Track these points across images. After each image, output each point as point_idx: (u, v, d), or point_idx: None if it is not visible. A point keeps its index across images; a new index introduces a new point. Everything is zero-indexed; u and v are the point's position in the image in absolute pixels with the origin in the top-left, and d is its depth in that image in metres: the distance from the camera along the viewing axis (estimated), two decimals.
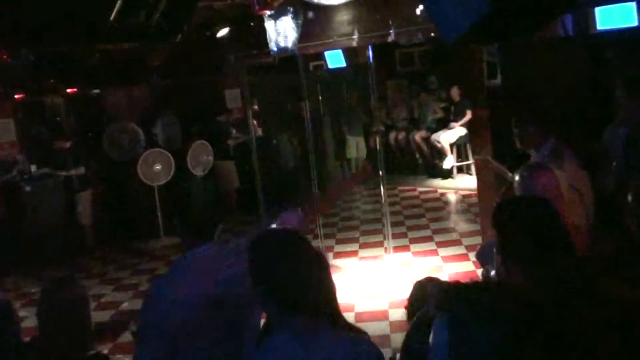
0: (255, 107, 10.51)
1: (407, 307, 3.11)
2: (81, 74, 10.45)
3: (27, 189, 8.62)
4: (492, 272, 3.55)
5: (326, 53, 8.82)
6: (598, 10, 5.53)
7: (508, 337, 1.64)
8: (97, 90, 10.66)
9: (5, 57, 9.37)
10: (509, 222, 2.19)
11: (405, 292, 6.04)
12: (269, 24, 6.93)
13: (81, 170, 9.26)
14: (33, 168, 9.19)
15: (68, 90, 10.51)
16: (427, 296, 2.64)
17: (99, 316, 6.51)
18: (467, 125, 11.12)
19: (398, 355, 2.46)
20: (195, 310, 2.40)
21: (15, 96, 9.68)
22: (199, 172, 9.89)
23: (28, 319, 7.13)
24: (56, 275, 2.94)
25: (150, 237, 9.72)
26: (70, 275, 2.97)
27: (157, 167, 9.52)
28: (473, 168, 10.34)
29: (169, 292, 2.46)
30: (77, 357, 2.72)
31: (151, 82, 10.82)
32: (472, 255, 7.05)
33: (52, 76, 10.34)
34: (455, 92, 11.39)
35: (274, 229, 2.60)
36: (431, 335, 1.88)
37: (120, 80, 10.66)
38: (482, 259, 4.33)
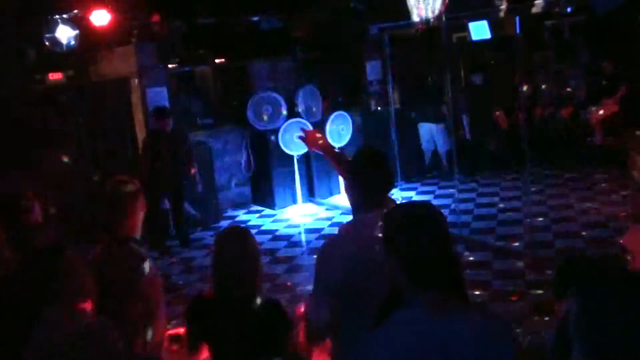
0: None
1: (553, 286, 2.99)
2: (229, 44, 10.88)
3: None
4: None
5: (470, 24, 8.57)
6: None
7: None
8: (242, 61, 11.02)
9: (159, 28, 9.93)
10: None
11: (542, 273, 5.84)
12: None
13: None
14: None
15: (216, 61, 10.96)
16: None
17: None
18: (620, 101, 10.43)
19: (529, 338, 2.38)
20: (358, 268, 2.57)
21: (169, 65, 10.20)
22: (336, 142, 10.01)
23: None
24: (230, 228, 3.15)
25: (288, 204, 10.02)
26: (243, 228, 3.16)
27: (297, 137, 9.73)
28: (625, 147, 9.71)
29: (337, 251, 2.68)
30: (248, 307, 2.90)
31: (294, 53, 11.04)
32: (618, 239, 6.67)
33: (202, 47, 10.85)
34: (608, 66, 10.70)
35: (408, 201, 2.61)
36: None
37: (265, 52, 10.98)
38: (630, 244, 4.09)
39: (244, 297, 2.87)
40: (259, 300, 2.90)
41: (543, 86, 11.85)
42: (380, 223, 2.27)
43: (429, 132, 11.02)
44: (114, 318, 2.89)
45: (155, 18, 9.55)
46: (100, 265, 3.21)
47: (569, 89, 11.39)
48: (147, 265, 3.22)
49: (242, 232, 3.04)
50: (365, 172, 2.76)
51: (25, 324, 2.61)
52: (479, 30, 8.02)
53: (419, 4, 6.87)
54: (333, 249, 2.74)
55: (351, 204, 2.81)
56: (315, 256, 2.81)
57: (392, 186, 2.83)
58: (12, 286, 3.13)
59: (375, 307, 2.34)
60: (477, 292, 6.01)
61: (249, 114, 9.93)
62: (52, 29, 8.27)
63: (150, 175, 8.05)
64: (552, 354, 2.19)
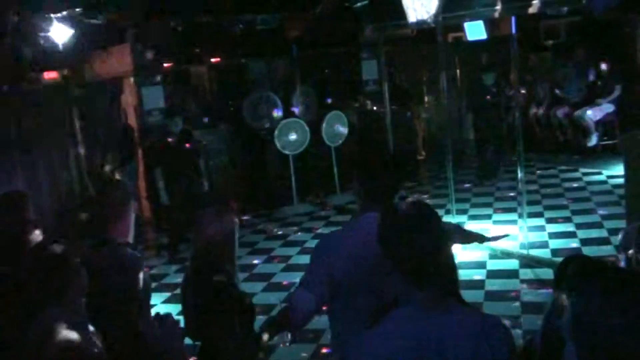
0: None
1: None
2: (225, 44, 10.89)
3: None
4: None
5: (466, 24, 8.59)
6: None
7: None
8: (238, 60, 11.01)
9: (155, 27, 9.91)
10: None
11: (537, 273, 5.82)
12: None
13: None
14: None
15: (212, 60, 10.94)
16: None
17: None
18: (616, 101, 10.47)
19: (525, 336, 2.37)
20: (356, 266, 2.61)
21: (164, 65, 10.18)
22: (332, 142, 10.02)
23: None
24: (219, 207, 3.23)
25: (284, 204, 10.01)
26: (225, 207, 3.26)
27: (293, 136, 9.75)
28: (620, 147, 9.72)
29: (338, 246, 2.72)
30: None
31: (290, 52, 11.06)
32: (613, 239, 6.69)
33: (198, 46, 10.85)
34: (604, 66, 10.72)
35: (404, 201, 2.61)
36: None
37: (261, 51, 10.97)
38: (625, 244, 4.10)
39: (212, 270, 2.92)
40: (221, 276, 2.93)
41: (538, 86, 11.87)
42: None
43: None
44: (102, 318, 2.90)
45: (151, 17, 9.54)
46: (89, 266, 3.20)
47: (564, 90, 11.39)
48: (136, 268, 3.20)
49: (219, 208, 3.17)
50: (369, 175, 2.81)
51: (25, 319, 2.61)
52: (475, 30, 8.04)
53: (414, 4, 6.87)
54: (330, 243, 2.81)
55: (358, 204, 2.89)
56: (310, 255, 2.85)
57: (396, 190, 2.85)
58: (15, 281, 3.14)
59: (373, 304, 2.35)
60: (472, 292, 6.02)
61: (245, 113, 9.93)
62: (48, 28, 8.24)
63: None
64: (542, 350, 2.19)
